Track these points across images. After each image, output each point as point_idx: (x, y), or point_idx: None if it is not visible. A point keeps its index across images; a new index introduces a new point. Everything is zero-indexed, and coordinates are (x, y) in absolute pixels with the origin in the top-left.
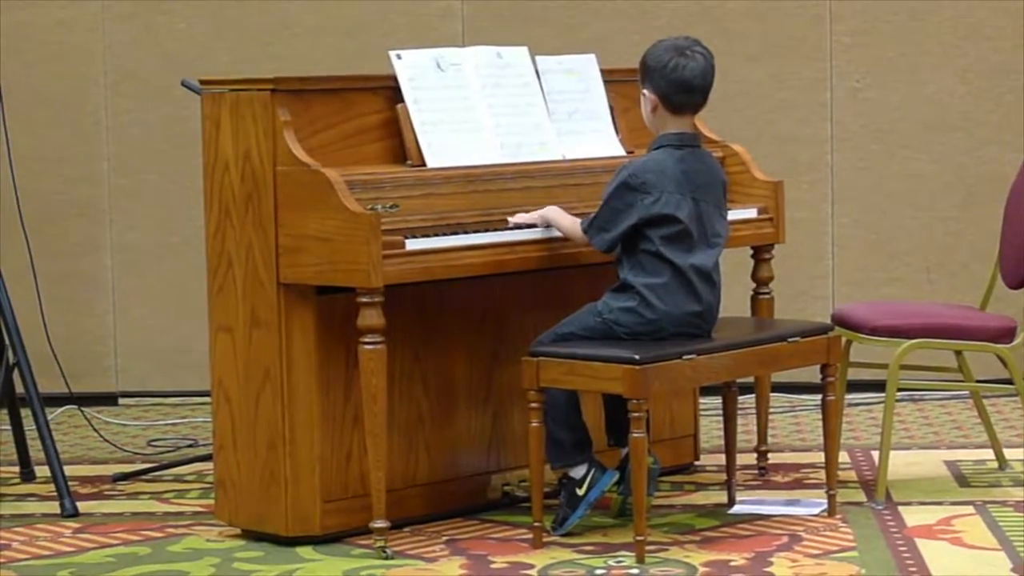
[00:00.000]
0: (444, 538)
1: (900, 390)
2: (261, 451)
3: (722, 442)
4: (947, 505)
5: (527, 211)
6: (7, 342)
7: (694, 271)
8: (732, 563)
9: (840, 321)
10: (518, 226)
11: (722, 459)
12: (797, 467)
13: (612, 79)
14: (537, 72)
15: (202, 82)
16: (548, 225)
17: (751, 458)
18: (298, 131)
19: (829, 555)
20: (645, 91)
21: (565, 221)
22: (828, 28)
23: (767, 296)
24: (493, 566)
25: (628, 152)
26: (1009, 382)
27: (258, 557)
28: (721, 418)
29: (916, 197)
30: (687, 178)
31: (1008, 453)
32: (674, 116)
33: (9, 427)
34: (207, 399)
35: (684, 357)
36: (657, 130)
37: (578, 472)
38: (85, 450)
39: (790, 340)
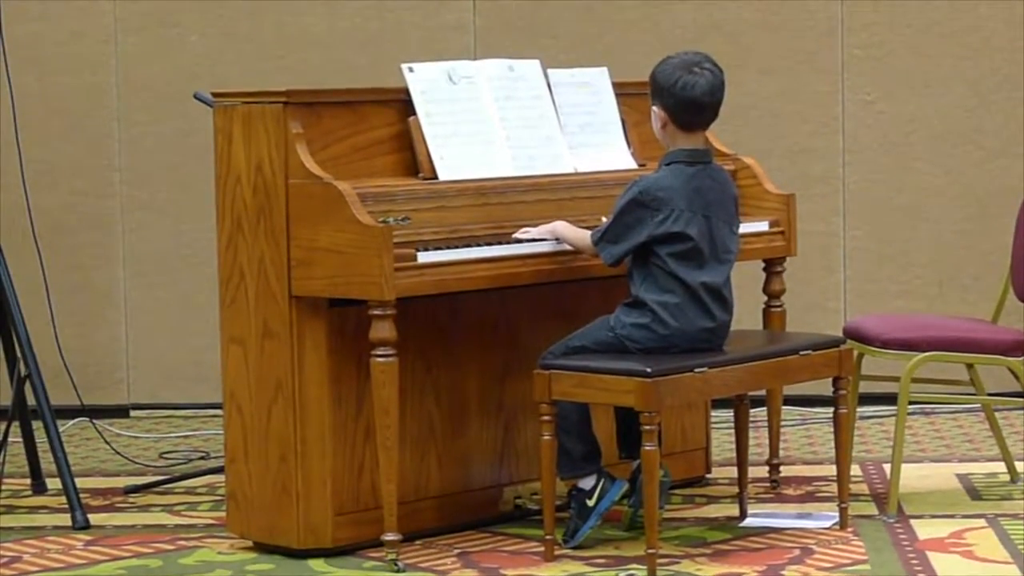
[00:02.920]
0: (456, 551)
1: (912, 403)
2: (273, 463)
3: (734, 455)
4: (959, 518)
5: (535, 226)
6: (19, 354)
7: (704, 289)
8: None
9: (852, 334)
10: (519, 240)
11: (734, 472)
12: (809, 480)
13: (624, 92)
14: (549, 85)
15: (214, 94)
16: (557, 239)
17: (763, 471)
18: (310, 144)
19: (841, 568)
20: (655, 108)
21: (574, 234)
22: (840, 41)
23: (779, 309)
24: None
25: (640, 165)
26: (1021, 395)
27: (269, 570)
28: (733, 431)
29: (928, 210)
30: (699, 195)
31: (1020, 466)
32: (685, 133)
33: (21, 439)
34: (219, 411)
35: (696, 370)
36: (668, 145)
37: (587, 483)
38: (97, 462)
39: (802, 353)
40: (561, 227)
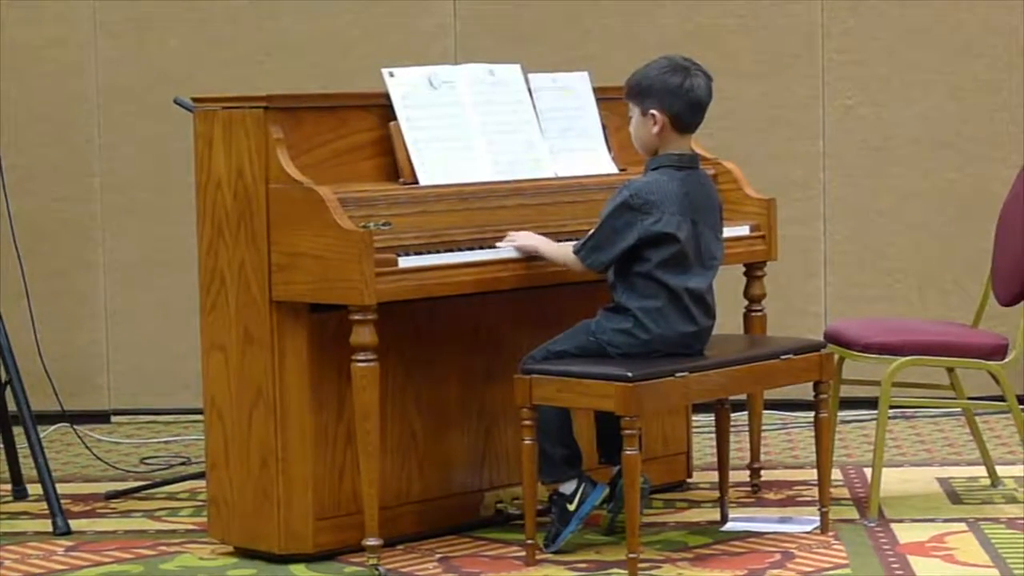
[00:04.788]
0: (437, 555)
1: (892, 407)
2: (254, 469)
3: (715, 459)
4: (939, 522)
5: (517, 228)
6: None
7: (689, 295)
8: None
9: (832, 338)
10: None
11: (715, 476)
12: (790, 484)
13: (605, 97)
14: (530, 90)
15: (195, 100)
16: (534, 256)
17: (744, 475)
18: (291, 148)
19: (822, 572)
20: (653, 111)
21: (556, 251)
22: (820, 46)
23: (759, 313)
24: None
25: (621, 170)
26: (1001, 399)
27: (251, 575)
28: (714, 435)
29: (908, 214)
30: (688, 200)
31: (1000, 470)
32: (680, 136)
33: (1, 445)
34: (200, 417)
35: (677, 374)
36: (657, 150)
37: (568, 487)
38: (78, 468)
39: (783, 357)
40: (543, 245)
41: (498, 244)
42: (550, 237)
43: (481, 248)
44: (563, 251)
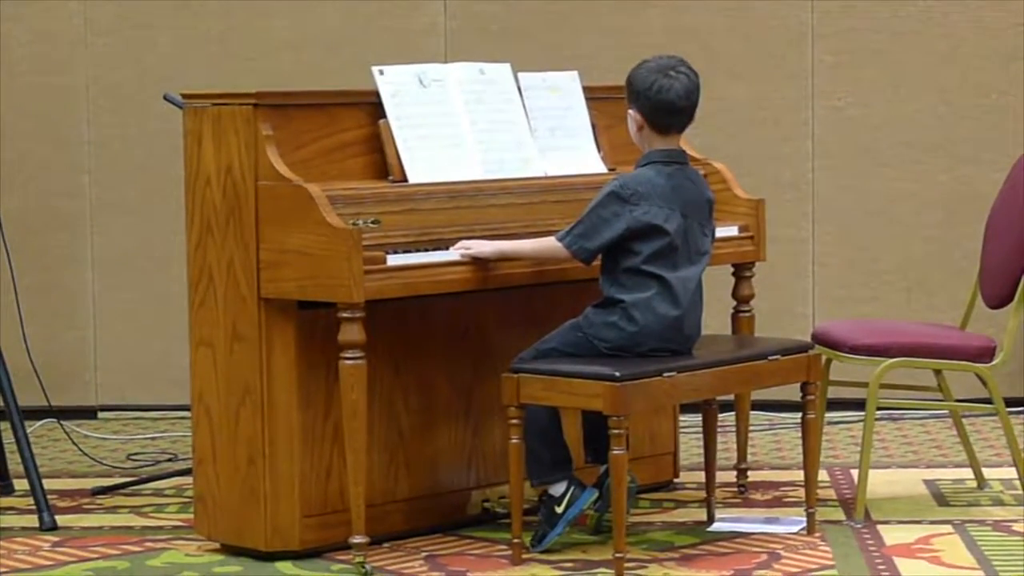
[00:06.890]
0: (423, 554)
1: (880, 409)
2: (241, 466)
3: (702, 460)
4: (926, 524)
5: (505, 226)
6: None
7: (679, 281)
8: None
9: (820, 339)
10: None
11: (702, 476)
12: (776, 485)
13: (594, 96)
14: (519, 89)
15: (184, 96)
16: (503, 259)
17: (731, 476)
18: (280, 146)
19: (808, 573)
20: (631, 111)
21: (528, 246)
22: (810, 47)
23: (748, 314)
24: None
25: (610, 169)
26: (988, 401)
27: (237, 572)
28: (701, 436)
29: (897, 216)
30: (676, 193)
31: (987, 472)
32: (661, 136)
33: None
34: (187, 413)
35: (664, 374)
36: (644, 148)
37: (557, 489)
38: (64, 464)
39: (770, 358)
40: (508, 245)
41: (451, 249)
42: (538, 236)
43: None
44: (535, 245)
